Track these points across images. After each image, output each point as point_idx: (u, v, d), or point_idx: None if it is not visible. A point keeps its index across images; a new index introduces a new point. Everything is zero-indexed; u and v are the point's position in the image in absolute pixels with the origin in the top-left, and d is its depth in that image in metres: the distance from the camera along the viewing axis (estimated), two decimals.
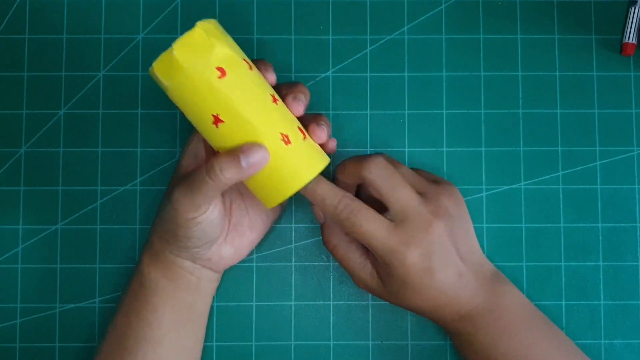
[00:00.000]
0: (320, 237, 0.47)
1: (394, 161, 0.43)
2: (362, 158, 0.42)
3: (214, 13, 0.48)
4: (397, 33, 0.49)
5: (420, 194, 0.41)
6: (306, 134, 0.40)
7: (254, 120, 0.38)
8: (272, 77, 0.41)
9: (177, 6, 0.49)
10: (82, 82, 0.48)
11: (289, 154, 0.39)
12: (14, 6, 0.48)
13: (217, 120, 0.38)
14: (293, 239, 0.48)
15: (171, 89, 0.37)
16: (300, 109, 0.40)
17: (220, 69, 0.37)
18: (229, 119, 0.37)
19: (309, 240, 0.48)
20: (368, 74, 0.48)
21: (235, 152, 0.37)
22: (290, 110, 0.40)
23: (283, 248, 0.48)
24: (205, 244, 0.42)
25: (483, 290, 0.42)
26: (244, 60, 0.39)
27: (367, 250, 0.43)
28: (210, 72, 0.37)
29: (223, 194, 0.42)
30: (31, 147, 0.48)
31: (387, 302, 0.46)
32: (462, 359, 0.45)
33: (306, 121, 0.41)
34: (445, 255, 0.41)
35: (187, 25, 0.48)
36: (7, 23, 0.48)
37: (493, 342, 0.41)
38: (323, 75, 0.48)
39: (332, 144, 0.42)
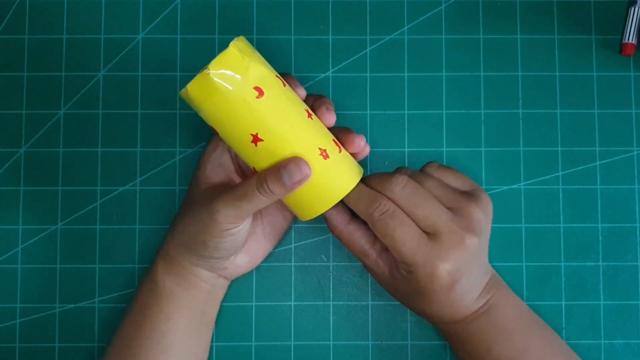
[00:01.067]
0: (320, 238, 0.47)
1: (419, 175, 0.42)
2: (383, 178, 0.41)
3: (213, 13, 0.48)
4: (397, 33, 0.49)
5: (451, 208, 0.40)
6: (341, 146, 0.41)
7: (292, 138, 0.38)
8: (302, 92, 0.41)
9: (177, 6, 0.49)
10: (82, 82, 0.48)
11: (328, 169, 0.39)
12: (14, 6, 0.49)
13: (256, 139, 0.37)
14: (293, 239, 0.48)
15: (207, 110, 0.37)
16: (332, 119, 0.41)
17: (257, 88, 0.37)
18: (268, 138, 0.37)
19: (309, 240, 0.48)
20: (368, 74, 0.48)
21: (280, 168, 0.37)
22: (323, 121, 0.41)
23: (283, 248, 0.48)
24: (230, 255, 0.42)
25: (483, 296, 0.42)
26: (277, 77, 0.38)
27: (375, 239, 0.42)
28: (248, 93, 0.36)
29: None
30: (31, 147, 0.48)
31: (388, 302, 0.46)
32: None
33: (337, 132, 0.41)
34: (472, 271, 0.40)
35: (187, 25, 0.48)
36: (7, 23, 0.48)
37: (487, 346, 0.41)
38: (323, 75, 0.48)
39: (367, 149, 0.42)
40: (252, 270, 0.47)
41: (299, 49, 0.48)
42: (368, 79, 0.48)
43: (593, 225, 0.47)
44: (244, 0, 0.49)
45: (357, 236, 0.42)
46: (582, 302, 0.47)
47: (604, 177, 0.48)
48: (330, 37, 0.48)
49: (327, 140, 0.40)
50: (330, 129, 0.41)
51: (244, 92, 0.36)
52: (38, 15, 0.48)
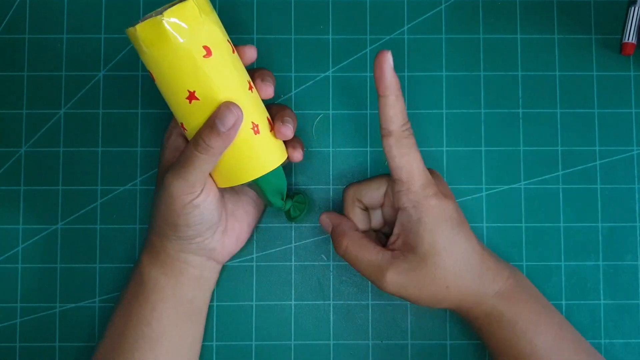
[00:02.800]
0: (320, 237, 0.47)
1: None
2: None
3: None
4: (397, 33, 0.49)
5: None
6: (272, 125, 0.41)
7: None
8: (270, 90, 0.41)
9: None
10: (82, 82, 0.48)
11: (255, 143, 0.39)
12: (14, 6, 0.49)
13: (192, 96, 0.37)
14: (293, 238, 0.48)
15: (151, 56, 0.37)
16: (269, 91, 0.41)
17: (206, 47, 0.36)
18: (205, 98, 0.37)
19: (309, 240, 0.48)
20: (368, 74, 0.48)
21: (212, 119, 0.37)
22: (260, 93, 0.41)
23: (283, 248, 0.48)
24: (207, 230, 0.42)
25: (503, 269, 0.42)
26: (228, 42, 0.39)
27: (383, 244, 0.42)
28: (197, 49, 0.36)
29: None
30: (31, 147, 0.48)
31: (388, 302, 0.46)
32: (463, 358, 0.46)
33: (273, 114, 0.42)
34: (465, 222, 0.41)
35: None
36: (7, 23, 0.48)
37: (531, 319, 0.41)
38: (323, 75, 0.48)
39: (298, 155, 0.43)
40: (252, 270, 0.47)
41: (299, 49, 0.48)
42: (368, 79, 0.48)
43: (593, 225, 0.47)
44: (244, 0, 0.49)
45: (366, 241, 0.42)
46: (582, 302, 0.47)
47: (603, 177, 0.48)
48: (330, 37, 0.48)
49: (261, 117, 0.40)
50: (272, 107, 0.42)
51: (192, 47, 0.36)
52: (38, 15, 0.48)
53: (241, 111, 0.38)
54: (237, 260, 0.47)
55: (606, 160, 0.48)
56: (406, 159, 0.40)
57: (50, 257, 0.47)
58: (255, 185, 0.41)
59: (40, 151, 0.48)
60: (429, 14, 0.49)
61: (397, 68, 0.48)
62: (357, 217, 0.44)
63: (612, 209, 0.47)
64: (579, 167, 0.48)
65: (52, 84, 0.48)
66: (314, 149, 0.48)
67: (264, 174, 0.40)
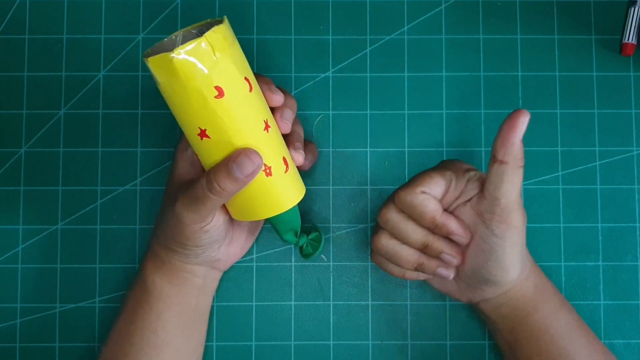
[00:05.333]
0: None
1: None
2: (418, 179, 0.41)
3: (213, 13, 0.48)
4: (397, 33, 0.49)
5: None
6: (289, 165, 0.40)
7: (240, 146, 0.37)
8: (279, 97, 0.40)
9: (177, 6, 0.49)
10: (82, 82, 0.48)
11: (267, 185, 0.38)
12: (14, 6, 0.48)
13: (203, 134, 0.36)
14: None
15: (163, 88, 0.36)
16: (287, 128, 0.40)
17: (218, 88, 0.35)
18: (215, 138, 0.36)
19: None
20: (368, 74, 0.48)
21: (229, 163, 0.36)
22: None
23: (283, 248, 0.48)
24: (215, 247, 0.42)
25: (527, 266, 0.43)
26: (246, 79, 0.37)
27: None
28: (208, 90, 0.35)
29: None
30: (31, 147, 0.48)
31: (388, 302, 0.46)
32: (463, 358, 0.46)
33: (289, 141, 0.41)
34: None
35: (187, 25, 0.48)
36: (7, 23, 0.48)
37: (555, 311, 0.42)
38: (323, 75, 0.48)
39: (306, 164, 0.42)
40: (252, 270, 0.47)
41: (299, 49, 0.48)
42: (368, 79, 0.48)
43: (593, 225, 0.47)
44: (244, 0, 0.49)
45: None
46: (582, 302, 0.47)
47: (603, 177, 0.48)
48: (330, 37, 0.48)
49: (275, 158, 0.38)
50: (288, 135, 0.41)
51: (203, 87, 0.34)
52: (38, 15, 0.48)
53: (261, 159, 0.37)
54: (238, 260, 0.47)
55: (606, 160, 0.48)
56: (506, 183, 0.39)
57: (50, 258, 0.47)
58: (269, 222, 0.41)
59: (40, 151, 0.48)
60: (429, 14, 0.49)
61: (397, 68, 0.48)
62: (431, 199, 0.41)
63: (612, 209, 0.47)
64: (579, 168, 0.48)
65: (52, 84, 0.48)
66: None
67: (275, 214, 0.40)
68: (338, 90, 0.48)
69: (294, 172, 0.40)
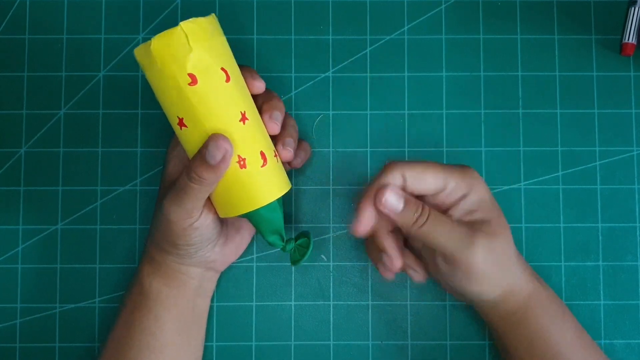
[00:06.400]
0: (320, 238, 0.47)
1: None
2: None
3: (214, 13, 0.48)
4: (397, 33, 0.49)
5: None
6: (268, 159, 0.39)
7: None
8: (260, 85, 0.40)
9: (177, 6, 0.49)
10: (82, 82, 0.48)
11: (242, 178, 0.38)
12: (14, 6, 0.49)
13: (181, 123, 0.38)
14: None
15: (148, 77, 0.38)
16: (275, 129, 0.40)
17: (192, 75, 0.36)
18: (192, 126, 0.37)
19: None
20: (368, 74, 0.48)
21: (201, 151, 0.37)
22: (267, 129, 0.40)
23: None
24: (207, 246, 0.42)
25: (530, 273, 0.42)
26: (223, 69, 0.38)
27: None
28: (182, 77, 0.36)
29: None
30: (31, 147, 0.48)
31: (388, 302, 0.46)
32: (463, 358, 0.45)
33: (277, 135, 0.41)
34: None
35: None
36: (7, 23, 0.48)
37: (549, 323, 0.41)
38: (323, 75, 0.48)
39: (297, 161, 0.43)
40: (252, 270, 0.47)
41: (299, 49, 0.48)
42: (368, 79, 0.48)
43: (593, 225, 0.47)
44: (244, 0, 0.49)
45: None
46: (582, 302, 0.47)
47: (604, 177, 0.48)
48: (330, 37, 0.48)
49: (251, 150, 0.39)
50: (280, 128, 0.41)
51: (177, 74, 0.36)
52: (38, 15, 0.48)
53: (230, 144, 0.37)
54: (237, 260, 0.47)
55: (606, 160, 0.48)
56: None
57: (50, 258, 0.47)
58: (249, 219, 0.41)
59: (40, 151, 0.48)
60: (429, 14, 0.49)
61: (397, 68, 0.48)
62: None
63: (612, 209, 0.47)
64: (579, 168, 0.48)
65: (52, 84, 0.48)
66: (314, 149, 0.48)
67: (252, 209, 0.39)
68: (338, 90, 0.48)
69: (274, 168, 0.40)
